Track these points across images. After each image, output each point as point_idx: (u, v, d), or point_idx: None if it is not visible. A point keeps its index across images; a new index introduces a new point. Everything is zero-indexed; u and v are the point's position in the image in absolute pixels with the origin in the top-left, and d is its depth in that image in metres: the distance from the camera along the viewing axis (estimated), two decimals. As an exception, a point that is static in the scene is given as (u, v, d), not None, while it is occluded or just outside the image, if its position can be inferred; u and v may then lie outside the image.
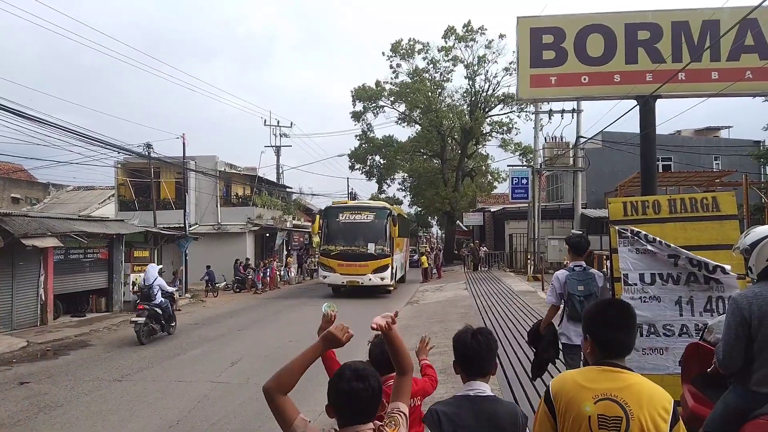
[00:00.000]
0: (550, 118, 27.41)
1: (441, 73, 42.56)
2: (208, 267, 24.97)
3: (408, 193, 53.00)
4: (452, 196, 41.97)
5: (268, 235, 34.02)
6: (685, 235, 5.56)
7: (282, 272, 30.76)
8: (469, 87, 42.53)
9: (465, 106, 42.92)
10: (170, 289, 14.79)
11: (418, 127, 44.37)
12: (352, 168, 47.89)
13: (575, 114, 25.23)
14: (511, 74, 39.36)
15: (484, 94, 42.16)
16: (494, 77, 41.79)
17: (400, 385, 2.51)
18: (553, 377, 2.54)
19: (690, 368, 4.23)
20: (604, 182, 30.34)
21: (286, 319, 16.37)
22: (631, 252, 5.57)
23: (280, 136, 40.25)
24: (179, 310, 19.30)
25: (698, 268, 5.30)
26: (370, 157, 47.54)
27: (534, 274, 24.89)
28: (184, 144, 25.36)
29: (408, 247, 34.09)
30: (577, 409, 2.18)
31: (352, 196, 47.19)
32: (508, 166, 35.22)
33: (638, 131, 12.33)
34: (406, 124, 45.18)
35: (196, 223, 28.87)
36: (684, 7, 12.01)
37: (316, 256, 28.50)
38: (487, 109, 42.47)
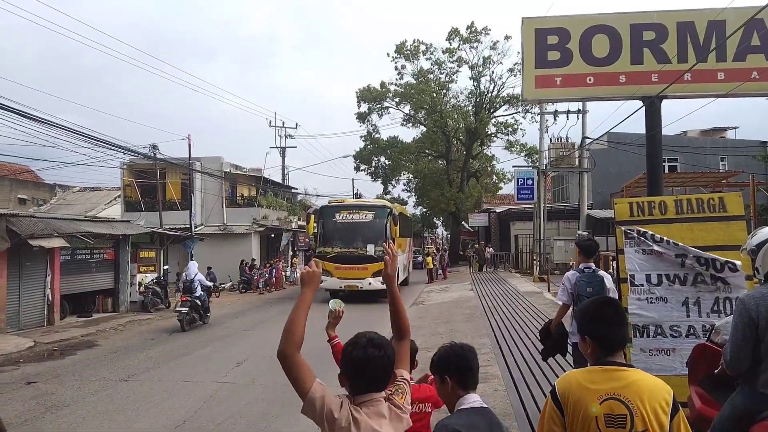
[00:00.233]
0: (555, 119, 27.34)
1: (446, 74, 42.56)
2: (209, 268, 25.04)
3: (413, 193, 53.01)
4: (457, 197, 41.94)
5: (273, 235, 34.09)
6: (691, 235, 5.54)
7: (288, 273, 30.82)
8: (474, 88, 42.51)
9: (470, 107, 42.89)
10: (208, 283, 16.84)
11: (423, 128, 44.36)
12: (357, 169, 47.94)
13: (580, 115, 25.13)
14: (516, 75, 39.31)
15: (489, 95, 42.11)
16: (499, 78, 41.75)
17: (399, 350, 2.49)
18: (557, 375, 2.55)
19: (697, 369, 4.21)
20: (610, 183, 30.29)
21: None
22: (637, 253, 5.56)
23: (285, 137, 40.41)
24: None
25: (706, 267, 5.28)
26: (375, 158, 47.56)
27: (540, 275, 24.86)
28: (189, 145, 25.51)
29: (411, 248, 32.33)
30: (584, 410, 2.27)
31: (357, 196, 47.22)
32: (513, 166, 35.22)
33: (644, 132, 12.29)
34: (411, 125, 45.19)
35: (202, 224, 29.00)
36: (689, 7, 11.97)
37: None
38: (492, 110, 42.41)
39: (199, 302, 15.19)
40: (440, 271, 31.69)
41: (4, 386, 9.14)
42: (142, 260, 20.11)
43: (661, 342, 5.41)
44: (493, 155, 49.56)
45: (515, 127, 42.60)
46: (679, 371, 5.21)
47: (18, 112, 14.11)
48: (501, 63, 42.96)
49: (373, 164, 47.83)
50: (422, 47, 42.01)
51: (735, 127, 38.08)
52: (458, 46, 41.02)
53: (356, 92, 43.62)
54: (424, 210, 56.83)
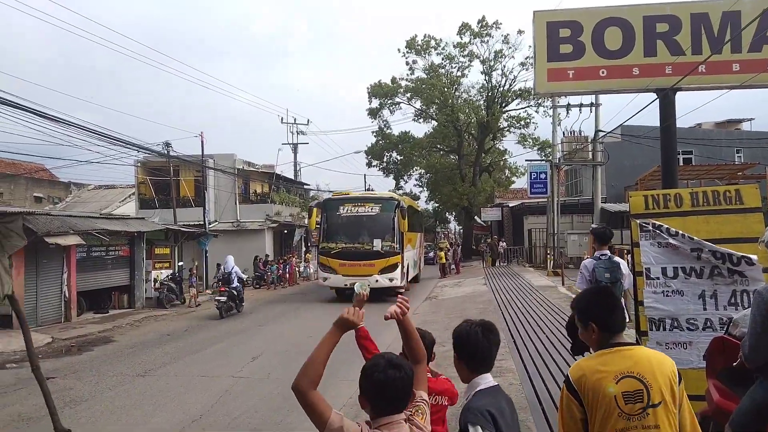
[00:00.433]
0: (568, 113, 27.27)
1: (458, 68, 42.42)
2: (219, 265, 25.15)
3: (425, 189, 52.98)
4: (470, 192, 41.83)
5: (286, 231, 34.21)
6: (707, 228, 5.49)
7: (301, 268, 30.92)
8: (485, 82, 42.31)
9: (481, 102, 42.73)
10: (243, 276, 18.79)
11: (434, 123, 44.27)
12: (369, 165, 47.97)
13: (593, 108, 25.01)
14: (527, 69, 39.08)
15: (501, 89, 41.91)
16: (511, 72, 41.53)
17: (417, 372, 2.49)
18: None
19: (715, 362, 4.19)
20: (624, 176, 30.07)
21: (305, 315, 16.45)
22: (652, 246, 5.53)
23: (297, 133, 40.49)
24: (199, 305, 19.58)
25: (722, 260, 5.24)
26: (386, 154, 47.56)
27: (554, 269, 24.74)
28: (202, 142, 25.63)
29: (422, 243, 31.00)
30: (602, 392, 2.35)
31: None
32: (526, 161, 35.14)
33: (658, 124, 12.20)
34: (422, 120, 45.12)
35: (216, 221, 29.14)
36: (703, -2, 11.84)
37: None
38: (504, 104, 42.22)
39: (235, 292, 16.89)
40: (453, 266, 31.66)
41: (24, 381, 9.26)
42: (156, 257, 20.28)
43: (677, 335, 5.38)
44: (506, 149, 49.47)
45: (528, 120, 42.43)
46: (695, 364, 5.18)
47: (33, 111, 14.24)
48: (512, 57, 42.92)
49: (385, 160, 47.84)
50: (433, 42, 41.90)
51: (750, 119, 37.67)
52: (469, 41, 40.86)
53: (367, 88, 43.64)
54: (437, 205, 56.74)
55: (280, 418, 7.03)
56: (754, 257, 5.13)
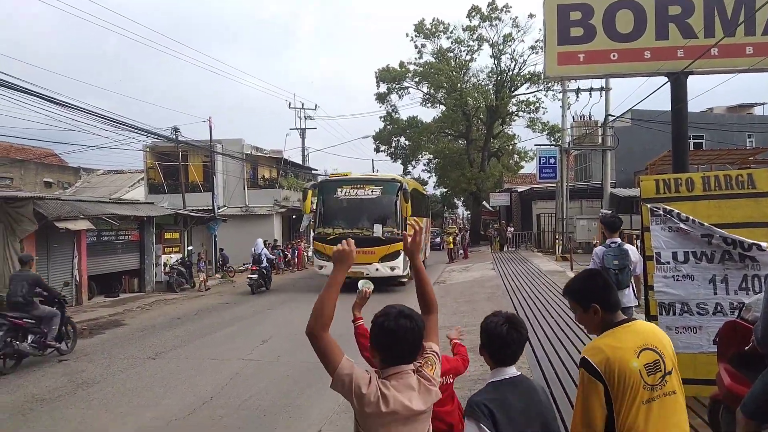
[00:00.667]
0: (577, 97, 27.02)
1: (467, 52, 42.10)
2: (221, 250, 25.30)
3: (433, 174, 52.87)
4: (478, 177, 41.69)
5: (294, 216, 34.29)
6: (719, 212, 5.46)
7: (309, 253, 31.00)
8: (494, 66, 42.00)
9: (490, 86, 42.44)
10: (272, 257, 20.94)
11: (443, 107, 44.04)
12: (377, 150, 47.86)
13: (603, 92, 24.80)
14: (537, 53, 38.81)
15: (510, 73, 41.61)
16: (520, 56, 41.21)
17: (427, 324, 2.50)
18: (580, 352, 2.57)
19: (726, 347, 4.18)
20: (634, 161, 29.88)
21: (313, 299, 16.39)
22: (663, 230, 5.51)
23: (305, 118, 40.42)
24: (209, 288, 19.72)
25: (733, 246, 5.22)
26: (394, 139, 47.44)
27: (562, 254, 24.69)
28: (210, 127, 25.64)
29: (429, 229, 29.30)
30: (628, 369, 2.38)
31: (377, 177, 47.07)
32: (535, 145, 34.88)
33: (669, 109, 12.06)
34: (430, 104, 44.89)
35: (224, 206, 29.24)
36: (718, -21, 11.64)
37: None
38: (513, 89, 41.92)
39: (264, 272, 18.86)
40: (461, 251, 31.66)
41: (37, 363, 9.38)
42: (166, 241, 20.40)
43: (687, 320, 5.38)
44: (515, 134, 49.22)
45: (537, 105, 42.15)
46: (705, 349, 5.18)
47: (43, 96, 14.29)
48: (522, 41, 42.61)
49: (393, 145, 47.75)
50: (441, 26, 41.58)
51: (762, 104, 37.20)
52: (479, 24, 40.52)
53: (375, 72, 43.41)
54: (445, 190, 56.64)
55: (290, 400, 7.09)
56: (764, 244, 5.11)
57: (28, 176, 34.25)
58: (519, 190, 41.55)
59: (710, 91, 46.16)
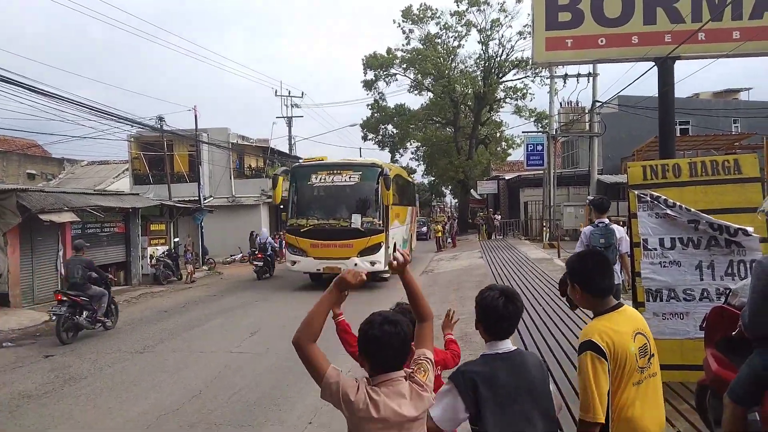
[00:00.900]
0: (565, 83, 27.07)
1: (454, 38, 41.98)
2: (253, 233, 25.31)
3: (421, 162, 52.83)
4: (466, 165, 41.71)
5: (282, 207, 34.10)
6: (705, 198, 5.48)
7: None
8: (482, 52, 41.93)
9: (478, 72, 42.38)
10: (276, 245, 22.58)
11: (430, 94, 43.94)
12: (364, 138, 47.74)
13: (591, 78, 24.79)
14: (525, 38, 38.78)
15: (498, 59, 41.56)
16: (508, 42, 41.31)
17: (422, 332, 2.52)
18: (569, 341, 2.58)
19: (713, 332, 4.20)
20: (621, 147, 29.97)
21: (300, 289, 16.44)
22: (650, 217, 5.52)
23: (292, 106, 40.11)
24: (195, 281, 19.61)
25: (719, 232, 5.23)
26: (382, 127, 47.32)
27: (550, 242, 24.80)
28: (195, 116, 25.41)
29: (414, 218, 27.00)
30: (628, 352, 2.53)
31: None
32: (523, 132, 34.97)
33: (656, 94, 12.08)
34: (418, 92, 44.78)
35: (211, 196, 29.05)
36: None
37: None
38: (500, 75, 41.90)
39: (269, 259, 19.86)
40: (449, 240, 31.71)
41: (23, 359, 9.29)
42: (152, 233, 20.23)
43: (674, 306, 5.40)
44: (502, 121, 49.26)
45: (524, 91, 42.15)
46: (692, 335, 5.21)
47: (24, 86, 14.05)
48: (510, 26, 42.61)
49: (381, 133, 47.64)
50: (429, 12, 41.40)
51: (748, 89, 37.43)
52: (466, 9, 40.36)
53: (362, 59, 43.17)
54: (433, 179, 56.66)
55: (280, 392, 7.07)
56: (750, 229, 5.13)
57: (11, 168, 33.80)
58: (506, 177, 41.62)
59: (696, 77, 46.43)
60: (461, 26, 41.22)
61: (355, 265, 15.03)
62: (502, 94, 43.36)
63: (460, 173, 42.42)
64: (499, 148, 49.83)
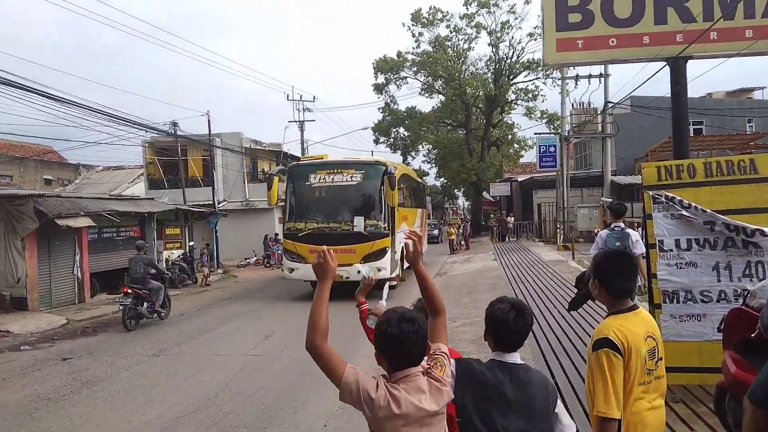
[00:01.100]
0: (576, 84, 26.90)
1: (464, 40, 41.92)
2: (207, 245, 25.23)
3: (433, 164, 52.76)
4: (478, 167, 41.59)
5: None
6: (721, 199, 5.43)
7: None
8: (492, 54, 41.79)
9: (489, 74, 42.27)
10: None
11: (441, 97, 43.88)
12: (376, 141, 47.65)
13: (602, 79, 24.70)
14: (535, 39, 38.60)
15: (509, 61, 41.42)
16: (518, 43, 41.02)
17: (435, 326, 2.52)
18: (584, 343, 2.60)
19: (732, 334, 4.16)
20: (634, 148, 29.81)
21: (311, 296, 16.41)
22: (665, 217, 5.47)
23: (303, 110, 40.23)
24: (210, 284, 19.73)
25: (736, 233, 5.18)
26: (393, 130, 47.27)
27: (564, 244, 24.67)
28: (209, 121, 25.55)
29: (425, 221, 25.53)
30: (640, 352, 2.60)
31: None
32: (535, 134, 34.80)
33: (668, 94, 12.01)
34: (429, 94, 44.72)
35: (225, 200, 29.21)
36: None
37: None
38: (511, 77, 41.77)
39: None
40: (462, 242, 31.65)
41: (41, 362, 9.40)
42: (167, 237, 20.41)
43: (691, 307, 5.35)
44: (514, 123, 49.08)
45: (535, 93, 41.99)
46: (710, 337, 5.16)
47: (42, 93, 14.22)
48: (520, 28, 42.46)
49: (392, 136, 47.58)
50: (439, 14, 41.38)
51: (762, 88, 37.07)
52: (476, 11, 40.30)
53: (373, 63, 43.20)
54: (445, 181, 56.55)
55: (294, 394, 7.10)
56: (767, 229, 5.07)
57: (28, 174, 34.23)
58: (519, 179, 41.48)
59: (709, 77, 46.03)
60: (471, 29, 41.16)
61: (358, 272, 12.80)
62: (513, 96, 43.24)
63: (473, 175, 42.31)
64: (511, 150, 49.64)
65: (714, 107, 30.05)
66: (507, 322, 2.55)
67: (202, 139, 26.36)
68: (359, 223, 14.71)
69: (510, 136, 48.42)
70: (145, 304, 12.26)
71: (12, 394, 7.66)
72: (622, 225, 7.39)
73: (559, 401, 2.66)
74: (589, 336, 7.71)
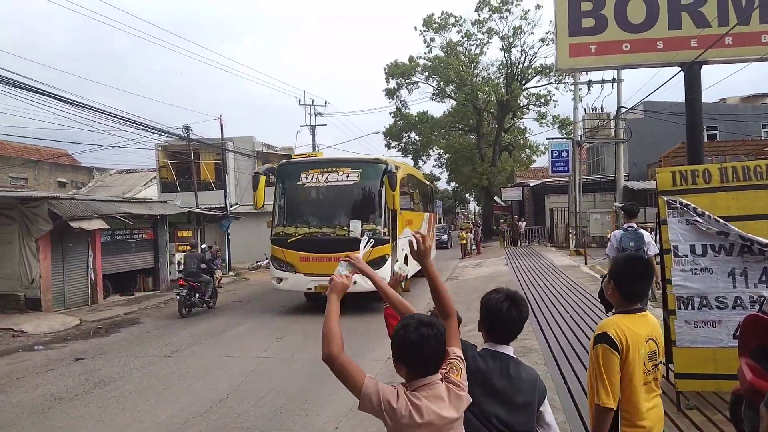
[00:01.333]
0: (589, 89, 26.82)
1: (476, 45, 41.91)
2: (210, 248, 25.23)
3: (445, 169, 52.73)
4: (490, 171, 41.51)
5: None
6: (737, 204, 5.38)
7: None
8: (504, 59, 41.78)
9: (501, 79, 42.22)
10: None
11: (453, 102, 43.87)
12: (387, 146, 47.73)
13: (615, 84, 24.59)
14: (548, 45, 38.55)
15: (521, 66, 41.38)
16: (530, 48, 40.99)
17: (449, 329, 2.45)
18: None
19: (748, 341, 4.12)
20: (647, 153, 29.60)
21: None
22: (680, 223, 5.43)
23: (315, 115, 40.37)
24: (222, 287, 19.77)
25: (750, 243, 5.13)
26: (405, 134, 47.33)
27: (576, 249, 24.54)
28: (221, 125, 25.71)
29: (433, 225, 23.67)
30: (638, 352, 2.70)
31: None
32: (547, 138, 34.59)
33: (682, 100, 11.93)
34: (440, 99, 44.73)
35: (237, 203, 29.32)
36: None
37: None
38: (523, 82, 41.70)
39: None
40: (474, 246, 31.58)
41: (54, 362, 9.48)
42: (180, 239, 20.49)
43: (706, 314, 5.30)
44: (526, 128, 48.99)
45: (548, 98, 41.89)
46: (725, 343, 5.11)
47: (56, 96, 14.38)
48: (532, 33, 42.33)
49: (404, 140, 47.63)
50: (451, 20, 41.41)
51: (777, 93, 36.71)
52: (488, 17, 40.31)
53: (384, 68, 43.28)
54: (456, 186, 56.50)
55: (306, 396, 7.11)
56: None
57: (42, 176, 34.57)
58: (531, 184, 41.35)
59: (723, 82, 45.68)
60: (483, 34, 41.17)
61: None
62: (525, 101, 43.16)
63: (484, 180, 42.23)
64: (523, 155, 49.54)
65: (728, 112, 29.80)
66: (500, 312, 2.56)
67: (214, 142, 26.52)
68: (356, 228, 12.93)
69: (522, 141, 48.32)
70: (197, 295, 13.95)
71: (26, 394, 7.73)
72: (635, 225, 7.49)
73: (546, 401, 2.68)
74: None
